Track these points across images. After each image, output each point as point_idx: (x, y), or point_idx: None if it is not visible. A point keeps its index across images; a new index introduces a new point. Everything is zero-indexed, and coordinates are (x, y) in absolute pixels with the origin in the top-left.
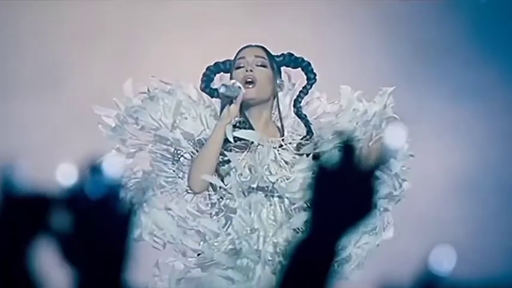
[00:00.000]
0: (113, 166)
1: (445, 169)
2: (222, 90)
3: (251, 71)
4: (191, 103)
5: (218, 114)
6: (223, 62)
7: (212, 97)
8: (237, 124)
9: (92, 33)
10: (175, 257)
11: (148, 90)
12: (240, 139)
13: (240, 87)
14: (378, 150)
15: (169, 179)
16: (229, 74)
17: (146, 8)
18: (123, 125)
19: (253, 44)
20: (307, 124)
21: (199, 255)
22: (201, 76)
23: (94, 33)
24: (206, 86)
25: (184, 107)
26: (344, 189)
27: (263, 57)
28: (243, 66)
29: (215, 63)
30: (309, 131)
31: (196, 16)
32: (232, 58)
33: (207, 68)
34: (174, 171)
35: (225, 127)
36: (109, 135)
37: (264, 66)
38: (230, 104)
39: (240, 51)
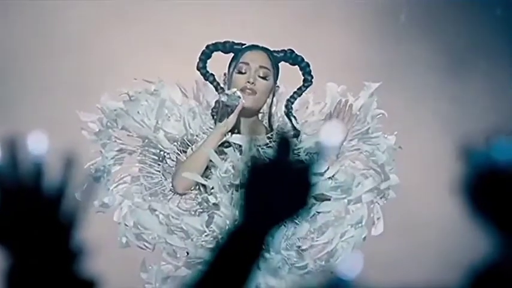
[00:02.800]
0: (37, 144)
1: (434, 165)
2: (223, 99)
3: (253, 83)
4: (175, 104)
5: (199, 118)
6: (223, 43)
7: (206, 79)
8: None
9: (77, 33)
10: (162, 257)
11: (129, 94)
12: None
13: (239, 97)
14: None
15: (155, 180)
16: (225, 54)
17: (133, 7)
18: (108, 129)
19: (259, 45)
20: (294, 126)
21: (188, 255)
22: (199, 55)
23: (79, 34)
24: (203, 66)
25: (167, 107)
26: (278, 182)
27: (267, 68)
28: (245, 73)
29: (215, 43)
30: (296, 132)
31: (182, 16)
32: (232, 40)
33: (207, 47)
34: (159, 171)
35: (220, 136)
36: (93, 139)
37: (267, 77)
38: (228, 114)
39: (245, 51)
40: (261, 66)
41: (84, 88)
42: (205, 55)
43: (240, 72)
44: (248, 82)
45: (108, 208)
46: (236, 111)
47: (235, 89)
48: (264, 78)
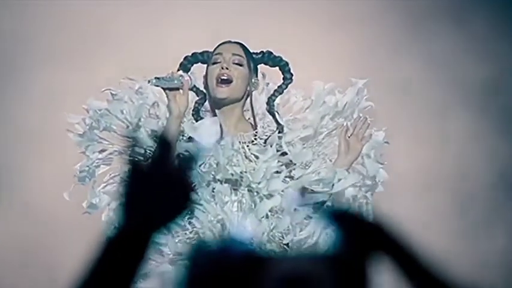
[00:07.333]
0: None
1: (421, 161)
2: (154, 82)
3: (227, 68)
4: (159, 102)
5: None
6: (201, 53)
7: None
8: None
9: (62, 32)
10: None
11: (113, 93)
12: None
13: (181, 76)
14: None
15: None
16: (206, 65)
17: (118, 3)
18: (92, 130)
19: (233, 40)
20: (277, 121)
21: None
22: (177, 66)
23: (65, 33)
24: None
25: (150, 105)
26: (158, 184)
27: (240, 56)
28: (219, 62)
29: (193, 54)
30: (279, 128)
31: (169, 12)
32: (211, 50)
33: (185, 58)
34: None
35: (175, 120)
36: (78, 140)
37: (241, 64)
38: (175, 97)
39: (218, 46)
40: (234, 54)
41: (70, 90)
42: (184, 67)
43: (214, 63)
44: (222, 68)
45: (96, 209)
46: (185, 91)
47: (172, 71)
48: (238, 64)
